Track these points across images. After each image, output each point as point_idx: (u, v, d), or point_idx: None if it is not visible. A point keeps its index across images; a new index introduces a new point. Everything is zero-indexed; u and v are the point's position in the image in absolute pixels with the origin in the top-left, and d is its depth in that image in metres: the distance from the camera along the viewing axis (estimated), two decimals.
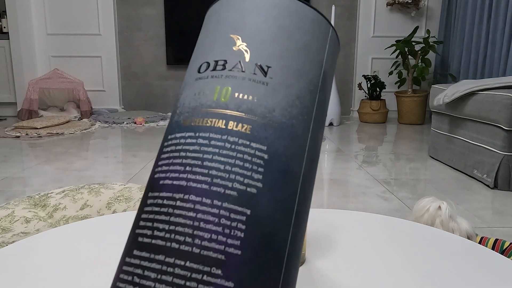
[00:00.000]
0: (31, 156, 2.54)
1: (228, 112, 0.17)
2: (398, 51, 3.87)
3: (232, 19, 0.20)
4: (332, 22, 3.92)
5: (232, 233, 0.15)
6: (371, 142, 3.08)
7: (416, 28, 3.83)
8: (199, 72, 0.19)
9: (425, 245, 0.42)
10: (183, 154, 0.17)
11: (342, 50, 4.41)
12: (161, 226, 0.16)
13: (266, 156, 0.17)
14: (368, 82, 3.97)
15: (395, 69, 4.03)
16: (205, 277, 0.15)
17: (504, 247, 1.09)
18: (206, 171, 0.16)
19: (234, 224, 0.16)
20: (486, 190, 1.94)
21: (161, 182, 0.17)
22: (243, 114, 0.18)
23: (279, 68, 0.19)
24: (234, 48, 0.19)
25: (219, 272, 0.15)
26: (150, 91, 4.49)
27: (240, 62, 0.19)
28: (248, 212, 0.16)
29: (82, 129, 3.45)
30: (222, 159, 0.17)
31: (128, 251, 0.17)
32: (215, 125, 0.17)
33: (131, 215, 0.50)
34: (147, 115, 4.05)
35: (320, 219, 0.49)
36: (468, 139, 2.19)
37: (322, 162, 2.45)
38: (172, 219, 0.16)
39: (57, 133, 3.27)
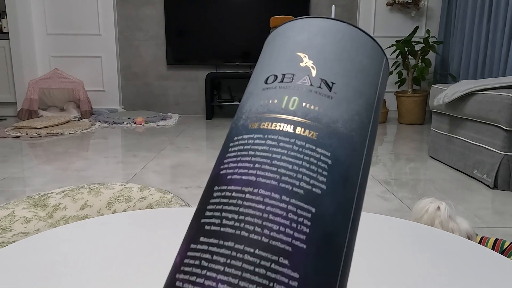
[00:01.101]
0: (31, 156, 2.54)
1: (296, 118, 0.20)
2: (398, 51, 3.87)
3: (299, 39, 0.23)
4: None
5: (298, 228, 0.17)
6: None
7: (416, 28, 3.83)
8: (266, 83, 0.22)
9: (425, 245, 0.42)
10: (251, 153, 0.19)
11: None
12: (230, 215, 0.17)
13: (329, 162, 0.19)
14: None
15: (395, 69, 4.03)
16: (273, 265, 0.16)
17: (504, 247, 1.09)
18: (275, 169, 0.18)
19: (300, 219, 0.17)
20: (486, 190, 1.94)
21: (228, 177, 0.19)
22: (310, 121, 0.20)
23: (342, 85, 0.21)
24: (301, 64, 0.22)
25: (286, 262, 0.16)
26: (150, 91, 4.49)
27: (307, 76, 0.21)
28: (313, 210, 0.17)
29: (82, 129, 3.45)
30: (290, 159, 0.18)
31: (193, 239, 0.18)
32: (284, 129, 0.19)
33: (131, 215, 0.50)
34: (147, 115, 4.06)
35: None
36: (468, 139, 2.19)
37: None
38: (242, 210, 0.17)
39: (57, 133, 3.27)
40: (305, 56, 0.22)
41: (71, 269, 0.37)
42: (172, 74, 4.46)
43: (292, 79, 0.21)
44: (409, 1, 4.09)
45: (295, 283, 0.16)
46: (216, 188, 0.19)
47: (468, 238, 1.07)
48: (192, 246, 0.17)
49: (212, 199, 0.19)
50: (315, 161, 0.18)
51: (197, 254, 0.17)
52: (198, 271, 0.16)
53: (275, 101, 0.21)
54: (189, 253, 0.17)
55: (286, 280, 0.16)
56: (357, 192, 0.19)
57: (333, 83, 0.21)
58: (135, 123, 3.80)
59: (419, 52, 3.83)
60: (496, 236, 1.41)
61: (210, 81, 4.11)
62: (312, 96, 0.20)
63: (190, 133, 3.41)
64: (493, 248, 1.12)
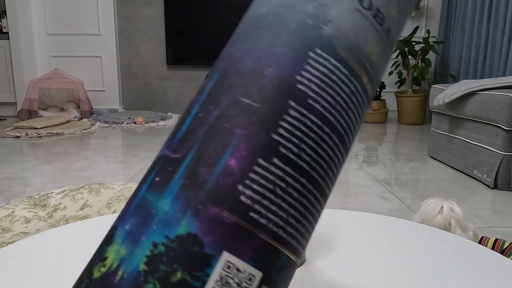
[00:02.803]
0: (31, 156, 2.54)
1: (371, 72, 0.19)
2: (398, 51, 3.87)
3: None
4: None
5: (336, 177, 0.18)
6: (371, 142, 3.08)
7: (416, 28, 3.83)
8: (361, 4, 0.18)
9: (425, 245, 0.42)
10: (336, 88, 0.17)
11: None
12: (308, 150, 0.16)
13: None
14: None
15: (395, 69, 4.03)
16: (320, 210, 0.17)
17: (504, 247, 1.09)
18: (348, 120, 0.18)
19: (338, 171, 0.18)
20: (486, 190, 1.94)
21: (310, 101, 0.17)
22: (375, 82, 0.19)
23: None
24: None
25: (323, 203, 0.17)
26: (150, 91, 4.49)
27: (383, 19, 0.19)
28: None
29: (82, 129, 3.45)
30: (357, 116, 0.18)
31: (263, 154, 0.15)
32: (362, 79, 0.18)
33: None
34: (147, 115, 4.06)
35: (320, 219, 0.49)
36: (468, 139, 2.19)
37: None
38: (319, 151, 0.16)
39: (57, 133, 3.27)
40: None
41: (71, 269, 0.37)
42: (172, 74, 4.46)
43: (381, 23, 0.19)
44: None
45: (318, 218, 0.17)
46: (293, 104, 0.16)
47: (474, 238, 1.07)
48: (262, 163, 0.15)
49: (287, 115, 0.16)
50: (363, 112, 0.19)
51: (271, 177, 0.15)
52: (271, 196, 0.15)
53: (364, 39, 0.18)
54: (258, 169, 0.15)
55: (318, 219, 0.17)
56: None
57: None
58: (135, 123, 3.80)
59: (419, 52, 3.83)
60: (496, 236, 1.41)
61: None
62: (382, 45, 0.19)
63: None
64: (493, 248, 1.12)
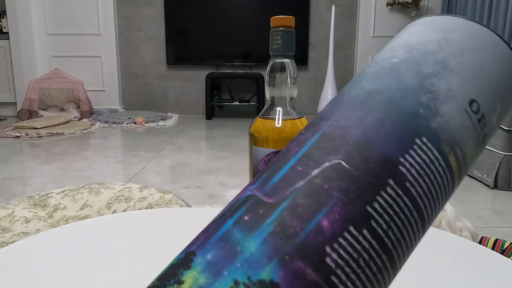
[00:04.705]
0: (31, 156, 2.54)
1: (463, 168, 0.19)
2: None
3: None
4: (332, 22, 3.92)
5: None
6: None
7: None
8: (470, 107, 0.19)
9: (425, 245, 0.42)
10: (432, 178, 0.18)
11: (342, 50, 4.41)
12: (395, 230, 0.16)
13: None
14: None
15: None
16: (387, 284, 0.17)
17: (504, 247, 1.09)
18: (433, 208, 0.18)
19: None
20: (486, 190, 1.94)
21: (407, 184, 0.17)
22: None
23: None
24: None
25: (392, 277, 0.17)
26: (150, 91, 4.49)
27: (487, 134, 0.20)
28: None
29: (82, 129, 3.45)
30: (439, 207, 0.19)
31: (355, 223, 0.16)
32: (455, 174, 0.19)
33: (131, 215, 0.50)
34: (147, 115, 4.06)
35: None
36: None
37: None
38: (404, 233, 0.17)
39: (57, 133, 3.27)
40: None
41: (71, 269, 0.37)
42: (172, 74, 4.46)
43: (483, 127, 0.20)
44: (409, 1, 4.09)
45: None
46: (391, 182, 0.17)
47: (472, 238, 1.07)
48: (353, 231, 0.16)
49: (384, 192, 0.16)
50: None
51: (358, 247, 0.16)
52: (354, 265, 0.15)
53: (471, 142, 0.20)
54: (347, 236, 0.16)
55: None
56: None
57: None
58: (135, 123, 3.80)
59: None
60: (496, 236, 1.41)
61: (210, 81, 4.11)
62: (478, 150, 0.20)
63: (190, 133, 3.41)
64: (493, 248, 1.12)
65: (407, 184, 0.17)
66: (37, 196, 1.11)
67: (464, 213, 1.63)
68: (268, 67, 0.46)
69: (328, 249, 0.15)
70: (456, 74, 0.19)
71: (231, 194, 1.84)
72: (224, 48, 4.29)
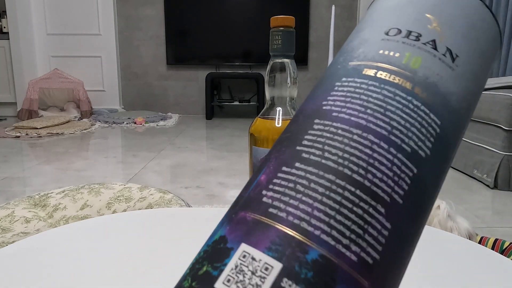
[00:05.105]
0: (31, 156, 2.54)
1: (417, 78, 0.20)
2: None
3: (430, 2, 0.22)
4: (332, 22, 3.92)
5: (399, 183, 0.17)
6: None
7: None
8: (387, 34, 0.22)
9: (425, 245, 0.42)
10: (364, 97, 0.19)
11: None
12: (333, 151, 0.17)
13: (438, 130, 0.19)
14: None
15: None
16: (371, 210, 0.16)
17: (504, 247, 1.09)
18: (387, 119, 0.18)
19: (402, 175, 0.17)
20: (486, 190, 1.94)
21: (334, 114, 0.19)
22: (429, 85, 0.20)
23: (464, 61, 0.21)
24: (429, 26, 0.21)
25: (383, 211, 0.16)
26: (150, 91, 4.49)
27: (434, 40, 0.21)
28: (415, 171, 0.18)
29: (82, 129, 3.45)
30: (404, 115, 0.18)
31: (287, 163, 0.18)
32: (402, 85, 0.19)
33: (131, 215, 0.50)
34: (147, 115, 4.06)
35: None
36: (468, 139, 2.19)
37: None
38: (347, 149, 0.17)
39: (57, 133, 3.27)
40: (435, 20, 0.21)
41: (71, 269, 0.37)
42: (172, 74, 4.46)
43: (418, 39, 0.21)
44: None
45: (386, 233, 0.16)
46: (317, 121, 0.19)
47: (469, 237, 1.07)
48: (285, 169, 0.17)
49: (311, 130, 0.19)
50: (426, 125, 0.19)
51: (292, 178, 0.17)
52: (292, 193, 0.16)
53: (397, 54, 0.20)
54: (281, 175, 0.17)
55: (379, 227, 0.16)
56: (448, 167, 0.20)
57: (457, 55, 0.21)
58: (135, 123, 3.80)
59: None
60: (496, 236, 1.41)
61: (210, 81, 4.11)
62: (436, 61, 0.20)
63: (190, 133, 3.41)
64: (493, 248, 1.12)
65: (334, 114, 0.19)
66: (37, 196, 1.11)
67: (464, 213, 1.63)
68: (268, 67, 0.46)
69: (264, 191, 0.17)
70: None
71: (231, 194, 1.84)
72: (224, 48, 4.29)
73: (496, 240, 1.13)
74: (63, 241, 0.42)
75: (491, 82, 2.08)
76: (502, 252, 1.09)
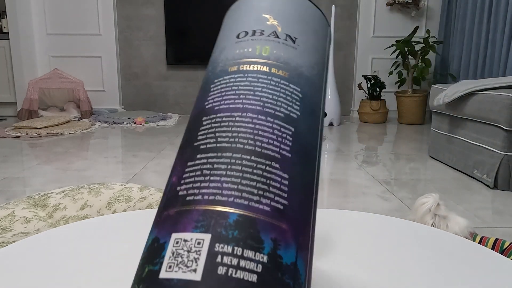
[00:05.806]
0: (31, 156, 2.54)
1: (270, 61, 0.24)
2: (398, 51, 3.87)
3: (264, 5, 0.27)
4: (332, 22, 3.92)
5: (283, 141, 0.21)
6: (371, 142, 3.08)
7: (416, 28, 3.83)
8: (238, 37, 0.26)
9: (425, 245, 0.42)
10: (235, 88, 0.23)
11: (342, 50, 4.41)
12: (224, 134, 0.21)
13: (300, 95, 0.23)
14: (368, 82, 3.97)
15: (395, 69, 4.03)
16: (267, 168, 0.19)
17: (504, 247, 1.09)
18: (258, 98, 0.22)
19: (284, 135, 0.21)
20: (486, 190, 1.94)
21: (216, 108, 0.22)
22: (282, 64, 0.24)
23: (302, 40, 0.26)
24: (267, 23, 0.26)
25: (277, 166, 0.20)
26: (150, 91, 4.49)
27: (275, 31, 0.25)
28: (293, 129, 0.22)
29: (82, 129, 3.45)
30: (270, 91, 0.22)
31: (189, 158, 0.20)
32: (261, 69, 0.23)
33: (131, 215, 0.50)
34: (147, 115, 4.06)
35: (320, 219, 0.49)
36: (468, 139, 2.19)
37: (322, 162, 2.45)
38: (234, 129, 0.21)
39: (57, 133, 3.27)
40: (271, 17, 0.26)
41: (71, 269, 0.37)
42: (172, 74, 4.46)
43: (262, 33, 0.25)
44: (409, 1, 4.09)
45: (286, 182, 0.19)
46: (204, 118, 0.22)
47: (465, 237, 1.07)
48: (190, 163, 0.20)
49: (202, 127, 0.22)
50: (290, 94, 0.23)
51: (197, 167, 0.20)
52: (201, 178, 0.19)
53: (250, 49, 0.25)
54: (188, 169, 0.20)
55: (279, 179, 0.19)
56: (320, 121, 0.24)
57: (296, 38, 0.26)
58: (135, 123, 3.80)
59: (419, 52, 3.83)
60: (496, 236, 1.41)
61: None
62: (281, 46, 0.25)
63: None
64: (493, 248, 1.12)
65: (216, 107, 0.22)
66: (37, 196, 1.11)
67: (464, 213, 1.63)
68: None
69: (178, 188, 0.20)
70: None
71: None
72: None
73: (496, 240, 1.13)
74: (63, 241, 0.42)
75: (491, 82, 2.08)
76: (502, 252, 1.09)
